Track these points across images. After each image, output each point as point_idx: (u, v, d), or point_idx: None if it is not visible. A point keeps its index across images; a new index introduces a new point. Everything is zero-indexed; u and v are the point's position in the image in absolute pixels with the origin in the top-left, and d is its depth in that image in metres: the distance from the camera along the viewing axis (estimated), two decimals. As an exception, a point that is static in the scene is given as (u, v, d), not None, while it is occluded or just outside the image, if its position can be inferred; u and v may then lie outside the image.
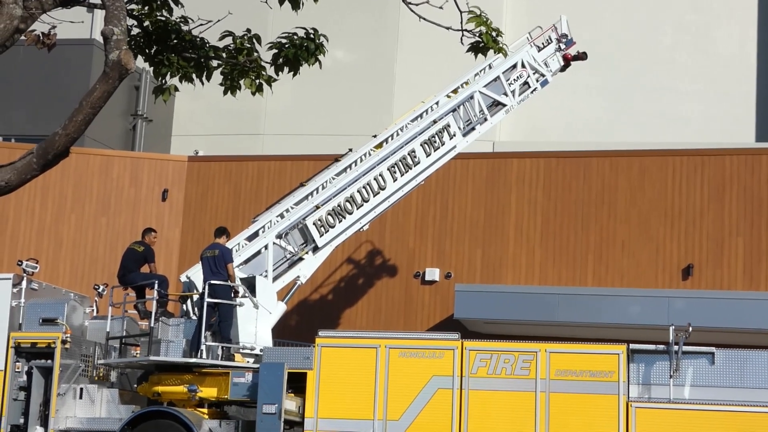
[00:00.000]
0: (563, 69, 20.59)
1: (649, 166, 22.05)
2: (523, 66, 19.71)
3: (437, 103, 19.20)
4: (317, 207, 17.40)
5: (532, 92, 20.04)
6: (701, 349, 14.61)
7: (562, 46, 20.33)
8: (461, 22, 11.19)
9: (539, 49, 20.05)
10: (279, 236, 17.16)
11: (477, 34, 11.26)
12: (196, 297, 16.44)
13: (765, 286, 20.90)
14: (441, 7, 11.02)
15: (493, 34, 11.26)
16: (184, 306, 16.75)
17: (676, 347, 14.50)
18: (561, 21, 20.36)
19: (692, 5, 28.91)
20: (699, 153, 22.08)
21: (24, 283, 16.91)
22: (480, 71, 19.54)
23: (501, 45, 11.42)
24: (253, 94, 12.17)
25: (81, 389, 16.44)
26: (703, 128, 27.87)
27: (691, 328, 14.57)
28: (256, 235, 17.49)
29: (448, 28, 11.31)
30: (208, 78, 12.21)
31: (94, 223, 23.83)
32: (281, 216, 17.62)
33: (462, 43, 11.47)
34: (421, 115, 19.04)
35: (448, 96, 19.26)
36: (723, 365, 14.49)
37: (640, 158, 22.21)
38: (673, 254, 21.51)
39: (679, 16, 28.87)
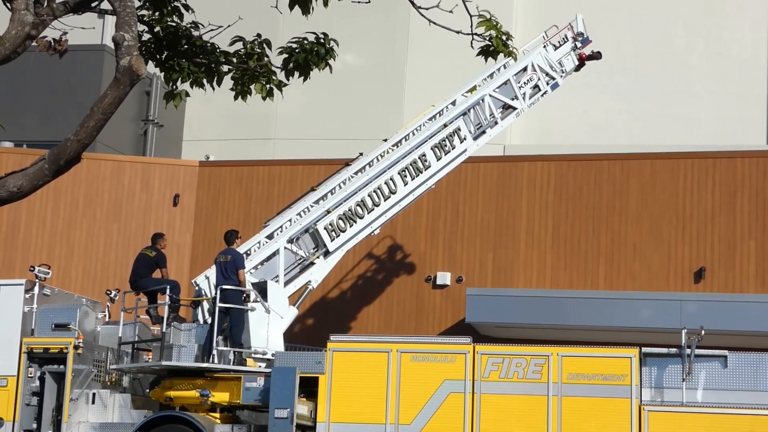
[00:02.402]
0: (578, 68, 20.58)
1: (660, 169, 22.00)
2: (533, 69, 19.68)
3: (448, 106, 19.17)
4: (328, 211, 17.40)
5: (542, 95, 19.99)
6: (714, 352, 14.56)
7: (578, 45, 20.33)
8: (471, 26, 11.20)
9: (555, 48, 20.03)
10: (290, 241, 17.17)
11: (487, 38, 11.27)
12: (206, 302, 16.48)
13: (777, 288, 20.84)
14: (451, 11, 11.03)
15: (503, 37, 11.28)
16: (200, 310, 16.78)
17: (688, 350, 14.46)
18: (577, 20, 20.38)
19: (704, 8, 28.84)
20: (710, 156, 22.03)
21: (36, 288, 16.95)
22: (490, 75, 19.51)
23: (511, 48, 11.43)
24: (264, 98, 12.20)
25: (93, 394, 16.46)
26: (715, 131, 27.81)
27: (703, 331, 14.53)
28: (267, 239, 17.49)
29: (458, 32, 11.32)
30: (219, 83, 12.24)
31: (106, 228, 23.89)
32: (292, 221, 17.63)
33: (472, 47, 11.47)
34: (431, 119, 19.03)
35: (459, 100, 19.24)
36: (736, 368, 14.44)
37: (652, 161, 22.16)
38: (684, 257, 21.45)
39: (691, 18, 28.81)
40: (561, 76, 20.14)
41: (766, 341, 19.40)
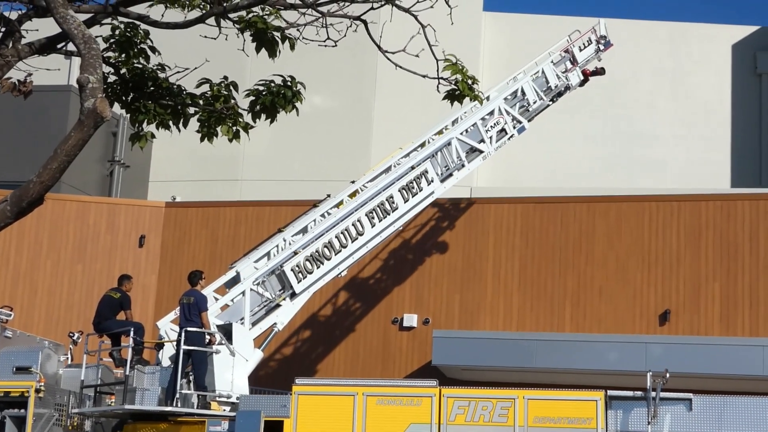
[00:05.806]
0: (582, 84, 21.24)
1: (626, 211, 22.15)
2: (500, 113, 19.86)
3: (415, 149, 19.27)
4: (295, 253, 17.34)
5: (509, 138, 20.17)
6: (679, 395, 14.57)
7: (601, 47, 21.58)
8: (437, 70, 11.25)
9: (580, 50, 20.94)
10: (256, 282, 17.08)
11: (453, 82, 11.31)
12: (168, 344, 16.33)
13: (741, 331, 20.95)
14: (417, 55, 11.08)
15: (469, 81, 11.32)
16: (162, 353, 16.64)
17: (653, 393, 14.48)
18: (600, 24, 21.24)
19: (670, 52, 29.22)
20: (675, 199, 22.21)
21: (-2, 330, 16.75)
22: (458, 118, 19.66)
23: (477, 93, 11.47)
24: (230, 141, 12.15)
25: (55, 439, 16.23)
26: (680, 174, 28.08)
27: (668, 374, 14.54)
28: (233, 281, 17.40)
29: (424, 76, 11.36)
30: (185, 125, 12.18)
31: (70, 269, 23.68)
32: (259, 262, 17.55)
33: (438, 91, 11.52)
34: (399, 161, 19.10)
35: (426, 142, 19.35)
36: (700, 411, 14.45)
37: (617, 204, 22.31)
38: (650, 300, 21.54)
39: (656, 62, 29.16)
40: (554, 99, 20.66)
41: (730, 384, 19.46)
